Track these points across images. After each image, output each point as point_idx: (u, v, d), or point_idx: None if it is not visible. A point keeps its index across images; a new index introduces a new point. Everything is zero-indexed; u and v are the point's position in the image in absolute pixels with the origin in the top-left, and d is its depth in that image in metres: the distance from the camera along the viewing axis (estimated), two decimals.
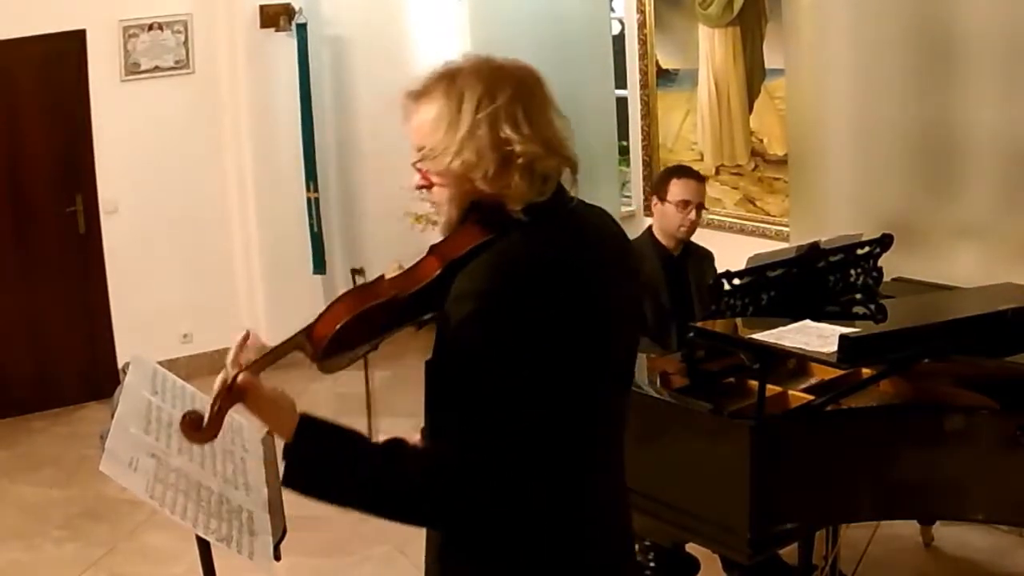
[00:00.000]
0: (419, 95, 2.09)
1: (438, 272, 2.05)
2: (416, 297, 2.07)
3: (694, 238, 4.77)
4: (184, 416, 2.08)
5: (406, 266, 2.12)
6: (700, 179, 4.81)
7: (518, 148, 2.02)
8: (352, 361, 2.17)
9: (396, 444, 2.04)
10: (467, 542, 2.11)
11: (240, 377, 2.05)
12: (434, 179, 2.09)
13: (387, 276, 2.10)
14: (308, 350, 2.06)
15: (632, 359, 2.29)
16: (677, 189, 4.64)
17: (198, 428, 2.06)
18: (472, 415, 1.97)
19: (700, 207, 4.70)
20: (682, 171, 4.82)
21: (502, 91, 2.03)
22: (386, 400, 2.35)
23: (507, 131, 2.02)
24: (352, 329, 2.04)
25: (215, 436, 2.08)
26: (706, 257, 4.82)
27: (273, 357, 2.07)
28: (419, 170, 2.11)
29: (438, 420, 2.06)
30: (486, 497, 1.99)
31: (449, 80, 2.06)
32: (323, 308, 2.08)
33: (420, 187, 2.12)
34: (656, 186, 4.83)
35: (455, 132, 2.02)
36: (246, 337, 2.11)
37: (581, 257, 2.09)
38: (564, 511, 2.10)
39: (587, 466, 2.14)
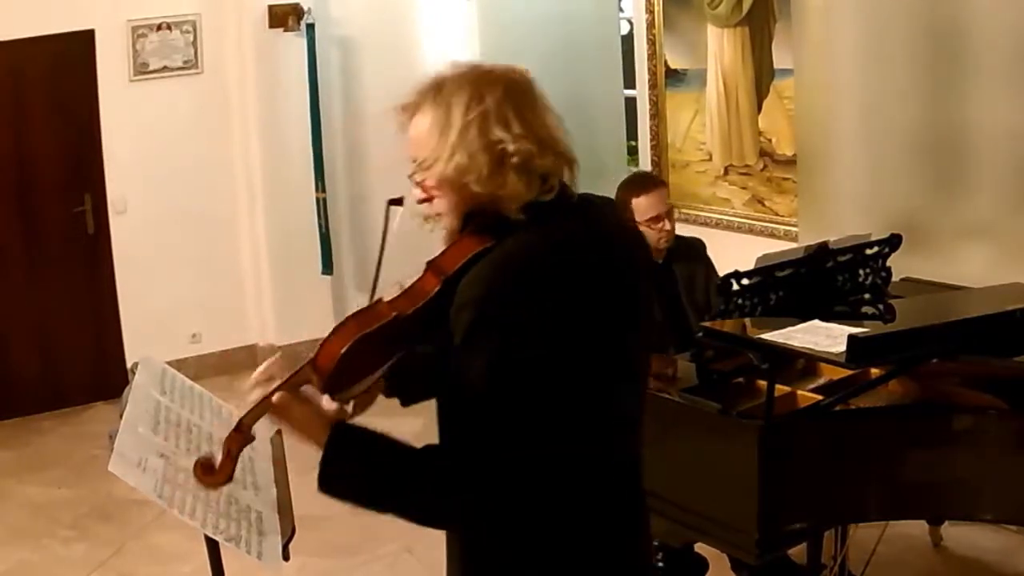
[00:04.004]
0: (410, 109, 2.10)
1: (438, 288, 2.03)
2: (420, 316, 2.04)
3: (684, 231, 4.60)
4: (196, 463, 2.08)
5: (406, 285, 2.09)
6: (660, 184, 4.56)
7: (511, 147, 2.01)
8: (367, 387, 2.14)
9: (423, 453, 2.02)
10: (489, 550, 2.12)
11: (245, 419, 2.05)
12: (432, 190, 2.08)
13: (385, 298, 2.07)
14: (315, 382, 2.02)
15: (642, 353, 2.26)
16: (642, 206, 4.31)
17: (211, 472, 2.07)
18: (486, 425, 1.96)
19: (671, 212, 4.45)
20: (639, 184, 4.49)
21: (490, 93, 2.03)
22: (388, 402, 2.36)
23: (498, 132, 2.01)
24: (356, 355, 2.00)
25: (229, 478, 2.09)
26: (694, 256, 4.58)
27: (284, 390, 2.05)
28: (419, 183, 2.11)
29: (454, 432, 2.06)
30: (498, 499, 1.99)
31: (436, 89, 2.07)
32: (329, 313, 2.07)
33: (421, 201, 2.12)
34: (618, 205, 4.29)
35: (446, 138, 2.02)
36: (266, 370, 2.10)
37: (581, 252, 2.07)
38: (583, 513, 2.10)
39: (605, 466, 2.12)
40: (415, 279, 2.08)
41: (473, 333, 1.96)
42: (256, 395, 2.05)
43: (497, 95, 2.03)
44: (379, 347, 2.05)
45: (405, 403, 2.40)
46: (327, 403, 2.05)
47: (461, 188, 2.04)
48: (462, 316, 1.97)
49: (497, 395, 1.95)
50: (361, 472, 2.03)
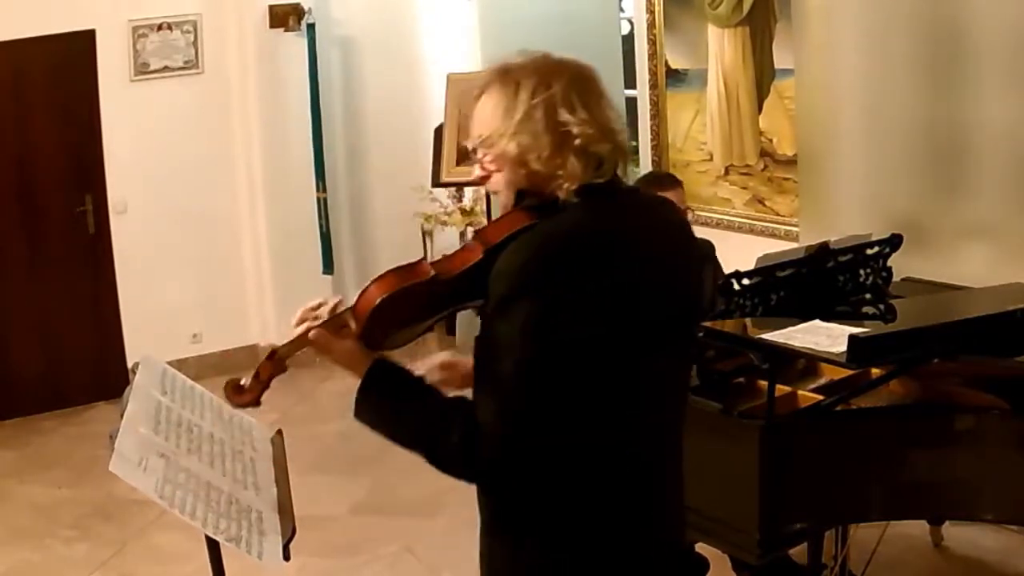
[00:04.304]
0: (480, 91, 2.18)
1: (480, 258, 2.10)
2: (460, 281, 2.11)
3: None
4: (227, 383, 2.19)
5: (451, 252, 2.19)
6: (677, 184, 4.61)
7: (575, 130, 2.09)
8: (405, 342, 2.22)
9: (454, 400, 2.12)
10: (512, 519, 2.18)
11: (281, 350, 2.17)
12: (491, 167, 2.16)
13: (429, 260, 2.16)
14: (352, 326, 2.11)
15: (680, 353, 2.31)
16: None
17: (240, 391, 2.17)
18: (507, 391, 2.03)
19: (685, 212, 4.39)
20: (656, 182, 4.56)
21: (557, 80, 2.12)
22: None
23: (564, 115, 2.10)
24: (392, 307, 2.08)
25: (256, 401, 2.19)
26: (703, 256, 4.61)
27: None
28: (479, 161, 2.19)
29: (480, 394, 2.12)
30: (513, 468, 2.07)
31: (504, 72, 2.15)
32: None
33: (481, 178, 2.20)
34: None
35: (511, 117, 2.10)
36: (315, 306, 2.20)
37: (621, 235, 2.13)
38: (601, 489, 2.16)
39: (625, 445, 2.18)
40: (462, 245, 2.18)
41: (505, 303, 2.02)
42: (299, 329, 2.15)
43: (563, 82, 2.12)
44: (416, 305, 2.13)
45: None
46: None
47: (521, 166, 2.12)
48: (497, 285, 2.04)
49: (521, 366, 2.01)
50: (394, 405, 2.14)
